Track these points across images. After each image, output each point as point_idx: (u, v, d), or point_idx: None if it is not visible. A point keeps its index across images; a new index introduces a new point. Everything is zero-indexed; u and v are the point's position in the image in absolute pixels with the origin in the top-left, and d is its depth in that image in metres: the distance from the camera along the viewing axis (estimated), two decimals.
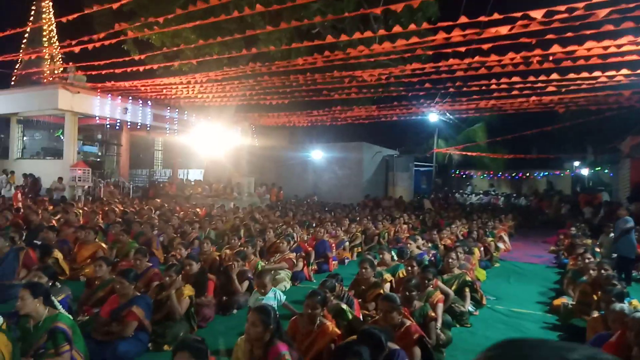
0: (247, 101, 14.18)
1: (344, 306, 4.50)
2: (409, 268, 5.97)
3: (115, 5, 8.31)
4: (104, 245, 7.54)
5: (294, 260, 7.76)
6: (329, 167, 23.95)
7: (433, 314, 4.45)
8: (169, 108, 19.55)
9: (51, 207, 12.47)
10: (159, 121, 19.57)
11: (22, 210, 10.99)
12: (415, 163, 26.75)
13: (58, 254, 6.60)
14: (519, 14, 6.16)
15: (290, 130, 24.78)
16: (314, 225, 12.26)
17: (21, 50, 20.85)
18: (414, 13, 13.28)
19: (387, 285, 5.83)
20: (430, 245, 9.43)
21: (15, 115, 18.83)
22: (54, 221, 9.81)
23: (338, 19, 12.89)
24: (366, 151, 24.10)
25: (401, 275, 6.19)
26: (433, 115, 22.46)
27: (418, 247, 8.48)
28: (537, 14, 5.97)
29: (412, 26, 7.71)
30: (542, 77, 9.12)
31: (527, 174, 33.67)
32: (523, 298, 7.04)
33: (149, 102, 18.48)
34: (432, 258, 8.09)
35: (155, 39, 12.70)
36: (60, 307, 4.15)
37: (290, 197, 22.18)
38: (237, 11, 7.68)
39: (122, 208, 13.21)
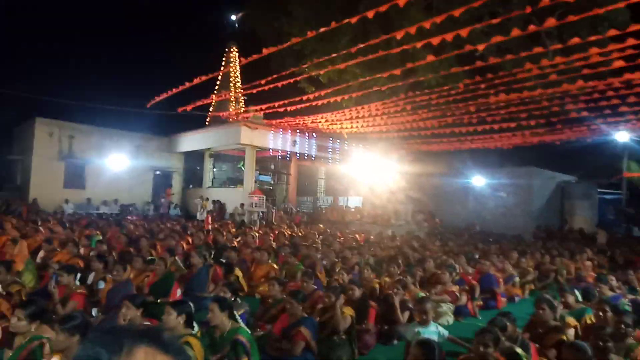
0: (408, 131, 14.21)
1: (519, 350, 4.05)
2: (600, 313, 5.10)
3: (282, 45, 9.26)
4: (275, 266, 8.23)
5: (457, 294, 7.33)
6: (492, 194, 22.30)
7: None
8: (331, 139, 20.84)
9: (234, 230, 14.24)
10: (322, 151, 21.01)
11: (210, 231, 12.78)
12: (599, 190, 23.13)
13: (239, 272, 7.43)
14: None
15: (448, 156, 23.93)
16: (476, 257, 11.48)
17: (213, 95, 24.67)
18: (597, 23, 11.75)
19: (572, 332, 5.06)
20: (626, 287, 7.96)
21: (208, 150, 22.23)
22: (235, 242, 11.16)
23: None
24: (537, 176, 21.80)
25: (589, 321, 5.32)
26: (622, 134, 19.23)
27: (611, 289, 7.23)
28: None
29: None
30: None
31: None
32: None
33: (314, 134, 20.01)
34: (630, 303, 6.79)
35: (323, 76, 13.70)
36: (240, 321, 4.65)
37: (449, 226, 21.22)
38: (399, 45, 7.86)
39: (290, 232, 14.35)
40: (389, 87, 11.06)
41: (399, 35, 8.48)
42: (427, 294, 7.27)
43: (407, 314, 6.07)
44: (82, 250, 8.60)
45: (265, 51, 9.46)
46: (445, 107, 10.89)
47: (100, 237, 10.14)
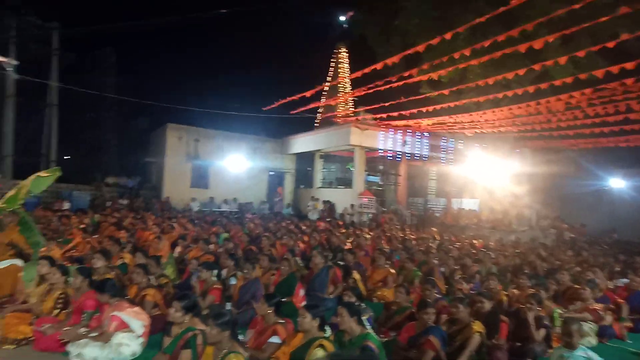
0: (531, 125, 13.12)
1: None
2: None
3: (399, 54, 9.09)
4: (392, 270, 8.12)
5: (601, 313, 6.54)
6: (635, 198, 19.64)
7: None
8: (444, 138, 20.07)
9: (343, 231, 14.39)
10: (434, 151, 20.32)
11: (322, 232, 13.04)
12: None
13: (356, 275, 7.45)
14: None
15: (578, 155, 21.60)
16: (616, 270, 10.17)
17: (323, 97, 25.28)
18: None
19: None
20: None
21: (318, 152, 22.83)
22: (348, 244, 11.25)
23: None
24: None
25: None
26: None
27: None
28: None
29: None
30: None
31: None
32: None
33: (425, 134, 19.46)
34: None
35: (444, 77, 13.21)
36: (368, 326, 4.64)
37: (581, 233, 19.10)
38: (526, 41, 7.28)
39: (401, 235, 14.09)
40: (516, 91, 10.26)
41: (528, 27, 7.87)
42: (564, 310, 6.60)
43: (542, 331, 5.56)
44: (211, 247, 9.32)
45: (375, 66, 9.34)
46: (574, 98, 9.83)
47: (227, 235, 10.94)
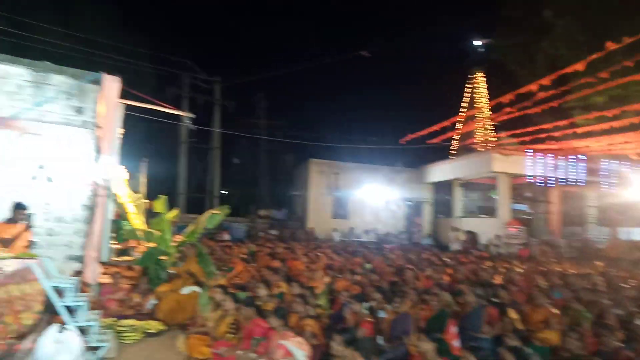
0: None
1: None
2: None
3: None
4: (554, 310, 7.39)
5: None
6: None
7: None
8: (604, 161, 17.80)
9: (489, 264, 13.50)
10: (592, 175, 18.11)
11: (467, 265, 12.41)
12: None
13: (513, 314, 6.95)
14: None
15: None
16: None
17: (459, 124, 24.54)
18: None
19: None
20: None
21: (457, 180, 22.09)
22: (497, 278, 10.51)
23: None
24: None
25: None
26: None
27: None
28: None
29: None
30: None
31: None
32: None
33: (581, 156, 17.52)
34: None
35: (602, 96, 12.00)
36: None
37: None
38: None
39: (559, 269, 12.71)
40: None
41: None
42: None
43: None
44: (357, 278, 9.57)
45: (521, 87, 8.93)
46: None
47: (371, 266, 11.16)
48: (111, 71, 8.02)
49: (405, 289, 7.78)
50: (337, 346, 4.25)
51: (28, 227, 6.33)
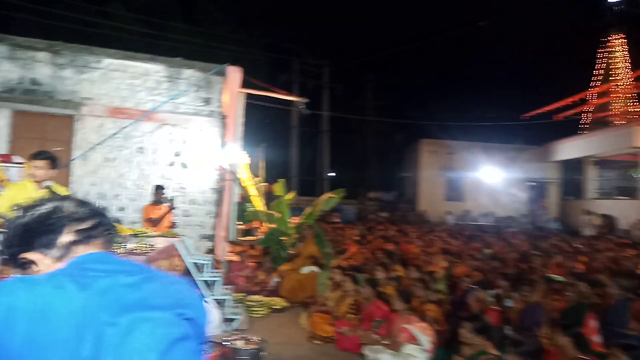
0: None
1: None
2: None
3: None
4: None
5: None
6: None
7: None
8: None
9: (632, 252, 11.92)
10: None
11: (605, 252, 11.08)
12: None
13: None
14: None
15: None
16: None
17: (592, 95, 21.81)
18: None
19: None
20: None
21: (589, 158, 19.77)
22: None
23: None
24: None
25: None
26: None
27: None
28: None
29: None
30: None
31: None
32: None
33: None
34: None
35: None
36: None
37: None
38: None
39: None
40: None
41: None
42: None
43: None
44: (477, 264, 9.11)
45: None
46: None
47: (492, 252, 10.54)
48: (227, 61, 8.50)
49: (533, 277, 7.21)
50: (466, 333, 4.07)
51: (171, 208, 7.08)
